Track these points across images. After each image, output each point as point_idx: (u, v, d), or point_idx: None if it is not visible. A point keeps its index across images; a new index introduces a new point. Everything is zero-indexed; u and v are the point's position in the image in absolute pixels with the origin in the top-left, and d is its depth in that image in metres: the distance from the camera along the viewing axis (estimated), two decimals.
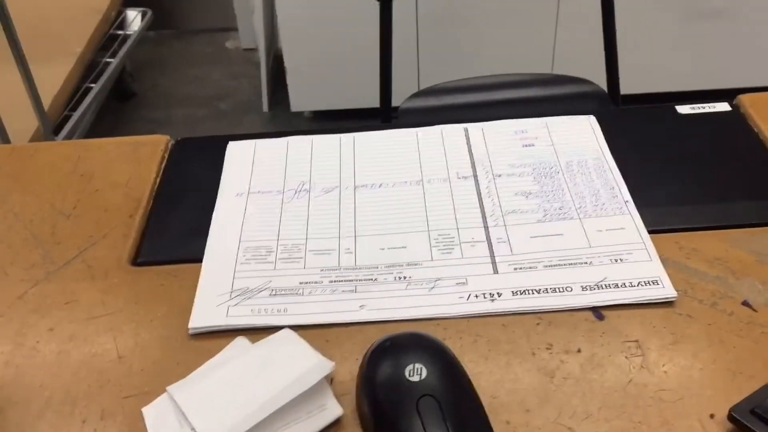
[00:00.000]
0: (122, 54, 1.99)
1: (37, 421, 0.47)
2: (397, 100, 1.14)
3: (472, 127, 0.69)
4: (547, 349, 0.50)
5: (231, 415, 0.44)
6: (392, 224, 0.60)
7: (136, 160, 0.69)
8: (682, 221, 0.59)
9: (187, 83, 2.27)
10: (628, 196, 0.60)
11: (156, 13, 2.21)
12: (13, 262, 0.59)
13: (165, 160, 0.69)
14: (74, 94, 1.80)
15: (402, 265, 0.56)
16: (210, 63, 2.36)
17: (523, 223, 0.59)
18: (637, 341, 0.50)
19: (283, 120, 2.07)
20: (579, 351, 0.49)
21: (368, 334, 0.51)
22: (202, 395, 0.46)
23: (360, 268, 0.56)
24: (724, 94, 0.72)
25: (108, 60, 1.95)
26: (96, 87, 1.84)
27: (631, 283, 0.53)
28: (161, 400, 0.47)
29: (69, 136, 1.67)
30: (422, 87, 1.18)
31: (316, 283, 0.55)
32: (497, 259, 0.56)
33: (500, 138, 0.68)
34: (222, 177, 0.66)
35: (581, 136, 0.67)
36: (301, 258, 0.57)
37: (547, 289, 0.53)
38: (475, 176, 0.64)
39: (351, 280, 0.55)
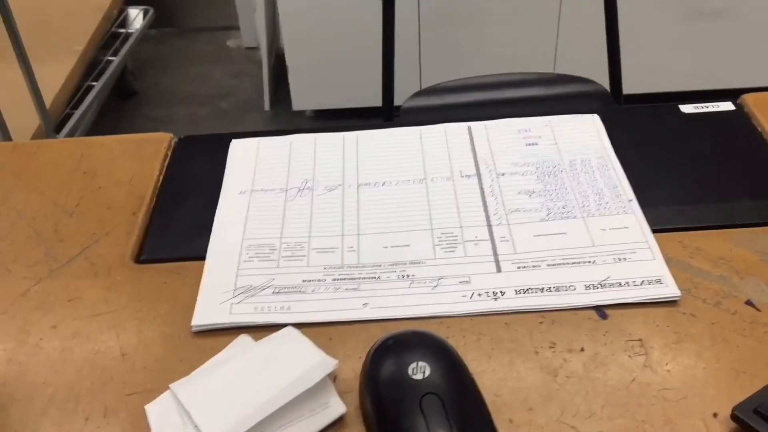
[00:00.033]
0: (124, 52, 1.99)
1: (40, 419, 0.47)
2: (398, 100, 1.14)
3: (475, 125, 0.69)
4: (550, 347, 0.50)
5: (234, 412, 0.44)
6: (395, 222, 0.60)
7: (140, 157, 0.69)
8: (685, 220, 0.59)
9: (189, 82, 2.27)
10: (631, 195, 0.60)
11: (158, 11, 2.21)
12: (16, 259, 0.59)
13: (168, 158, 0.69)
14: (76, 92, 1.80)
15: (405, 264, 0.56)
16: (211, 61, 2.36)
17: (526, 222, 0.59)
18: (640, 340, 0.50)
19: (284, 119, 2.07)
20: (582, 350, 0.49)
21: (371, 332, 0.51)
22: (205, 393, 0.46)
23: (363, 266, 0.56)
24: (726, 94, 0.72)
25: (110, 58, 1.95)
26: (97, 85, 1.84)
27: (634, 282, 0.53)
28: (164, 398, 0.47)
29: (70, 134, 1.67)
30: (424, 86, 1.18)
31: (319, 281, 0.55)
32: (500, 258, 0.56)
33: (504, 136, 0.68)
34: (225, 175, 0.66)
35: (585, 135, 0.67)
36: (304, 256, 0.57)
37: (550, 287, 0.53)
38: (479, 175, 0.64)
39: (354, 278, 0.55)
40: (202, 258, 0.58)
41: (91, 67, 1.90)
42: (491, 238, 0.57)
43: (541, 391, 0.47)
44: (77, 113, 1.74)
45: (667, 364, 0.48)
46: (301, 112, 2.04)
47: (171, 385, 0.47)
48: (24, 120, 1.54)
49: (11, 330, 0.53)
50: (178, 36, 2.48)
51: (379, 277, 0.55)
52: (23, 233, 0.61)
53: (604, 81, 1.14)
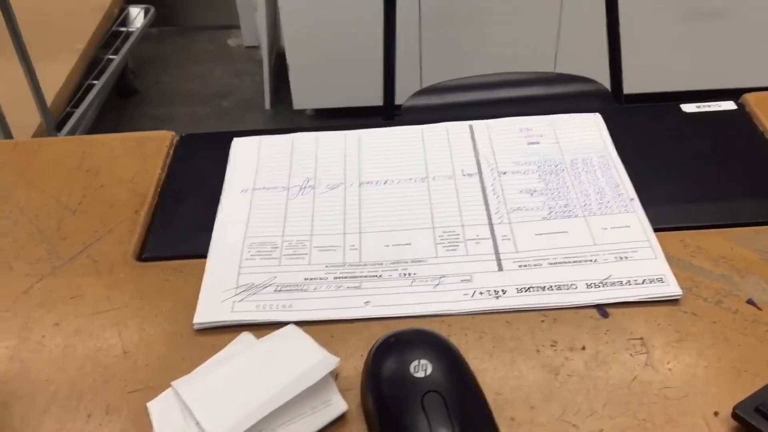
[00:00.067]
0: (125, 51, 1.99)
1: (42, 416, 0.47)
2: (399, 99, 1.14)
3: (477, 124, 0.69)
4: (552, 346, 0.50)
5: (236, 410, 0.44)
6: (397, 221, 0.60)
7: (142, 155, 0.69)
8: (687, 219, 0.59)
9: (190, 80, 2.27)
10: (633, 194, 0.60)
11: (159, 10, 2.20)
12: (18, 256, 0.59)
13: (170, 156, 0.69)
14: (77, 91, 1.80)
15: (407, 262, 0.56)
16: (212, 60, 2.36)
17: (528, 221, 0.59)
18: (641, 339, 0.50)
19: (285, 118, 2.07)
20: (583, 348, 0.49)
21: (373, 331, 0.51)
22: (207, 390, 0.46)
23: (365, 265, 0.56)
24: (727, 94, 0.72)
25: (110, 57, 1.95)
26: (98, 84, 1.84)
27: (635, 280, 0.53)
28: (166, 395, 0.47)
29: (71, 133, 1.67)
30: (424, 86, 1.18)
31: (321, 279, 0.55)
32: (502, 257, 0.56)
33: (505, 135, 0.68)
34: (227, 173, 0.66)
35: (586, 134, 0.67)
36: (306, 254, 0.57)
37: (551, 286, 0.53)
38: (480, 173, 0.64)
39: (356, 277, 0.55)
40: (204, 256, 0.58)
41: (91, 65, 1.90)
42: (493, 237, 0.58)
43: (543, 389, 0.47)
44: (78, 112, 1.74)
45: (668, 363, 0.48)
46: (302, 111, 2.04)
47: (173, 383, 0.47)
48: (25, 118, 1.54)
49: (14, 327, 0.53)
50: (178, 35, 2.48)
51: (380, 276, 0.55)
52: (26, 231, 0.61)
53: (605, 80, 1.14)
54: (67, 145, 0.71)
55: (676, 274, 0.53)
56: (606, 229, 0.58)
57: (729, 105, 0.70)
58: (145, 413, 0.46)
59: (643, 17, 1.79)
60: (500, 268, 0.55)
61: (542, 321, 0.51)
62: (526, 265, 0.55)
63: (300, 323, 0.51)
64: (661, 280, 0.53)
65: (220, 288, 0.55)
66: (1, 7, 1.34)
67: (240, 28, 2.37)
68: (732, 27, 1.82)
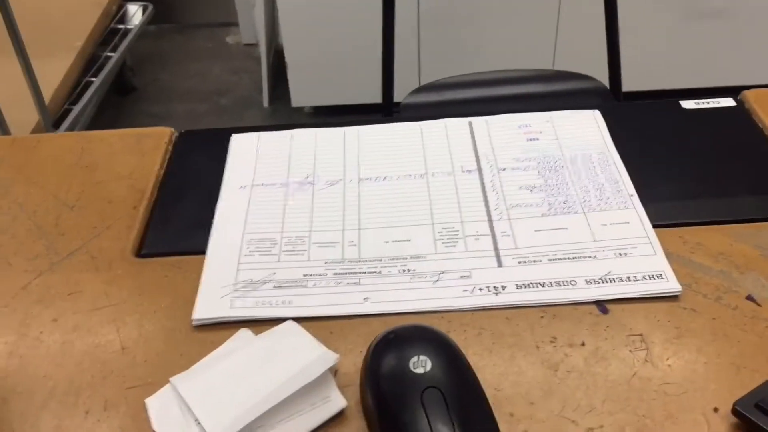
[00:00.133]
0: (123, 48, 1.99)
1: (40, 412, 0.47)
2: (397, 97, 1.14)
3: (476, 120, 0.69)
4: (551, 342, 0.50)
5: (234, 406, 0.44)
6: (396, 217, 0.60)
7: (140, 152, 0.69)
8: (686, 216, 0.59)
9: (188, 78, 2.27)
10: (632, 191, 0.60)
11: (157, 7, 2.20)
12: (17, 252, 0.59)
13: (169, 153, 0.69)
14: (75, 88, 1.80)
15: (406, 258, 0.56)
16: (210, 58, 2.35)
17: (527, 217, 0.59)
18: (641, 335, 0.50)
19: (283, 115, 2.07)
20: (583, 344, 0.49)
21: (372, 327, 0.51)
22: (206, 387, 0.46)
23: (364, 261, 0.56)
24: (725, 92, 0.72)
25: (109, 54, 1.95)
26: (96, 81, 1.84)
27: (635, 277, 0.53)
28: (165, 392, 0.47)
29: (69, 130, 1.67)
30: (423, 83, 1.17)
31: (320, 275, 0.55)
32: (501, 253, 0.56)
33: (504, 132, 0.68)
34: (225, 169, 0.66)
35: (586, 130, 0.67)
36: (305, 250, 0.57)
37: (551, 282, 0.53)
38: (480, 170, 0.64)
39: (355, 273, 0.55)
40: (203, 252, 0.58)
41: (90, 62, 1.89)
42: (492, 233, 0.57)
43: (542, 385, 0.47)
44: (76, 109, 1.73)
45: (667, 359, 0.48)
46: (300, 109, 2.04)
47: (171, 379, 0.47)
48: (23, 116, 1.54)
49: (12, 323, 0.53)
50: (177, 32, 2.48)
51: (380, 272, 0.55)
52: (24, 227, 0.61)
53: (603, 78, 1.14)
54: (66, 141, 0.71)
55: (675, 271, 0.53)
56: (605, 225, 0.57)
57: (728, 102, 0.70)
58: (144, 409, 0.46)
59: (642, 15, 1.79)
60: (500, 265, 0.55)
61: (542, 317, 0.51)
62: (525, 262, 0.55)
63: (299, 319, 0.51)
64: (660, 277, 0.53)
65: (219, 284, 0.55)
66: (0, 5, 1.34)
67: (238, 25, 2.37)
68: (732, 25, 1.82)
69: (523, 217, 0.59)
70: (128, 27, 2.08)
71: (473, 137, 0.67)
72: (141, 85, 2.24)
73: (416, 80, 1.84)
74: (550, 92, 1.15)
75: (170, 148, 0.69)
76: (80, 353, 0.51)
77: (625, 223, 0.58)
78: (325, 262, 0.56)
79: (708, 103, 0.70)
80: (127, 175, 0.66)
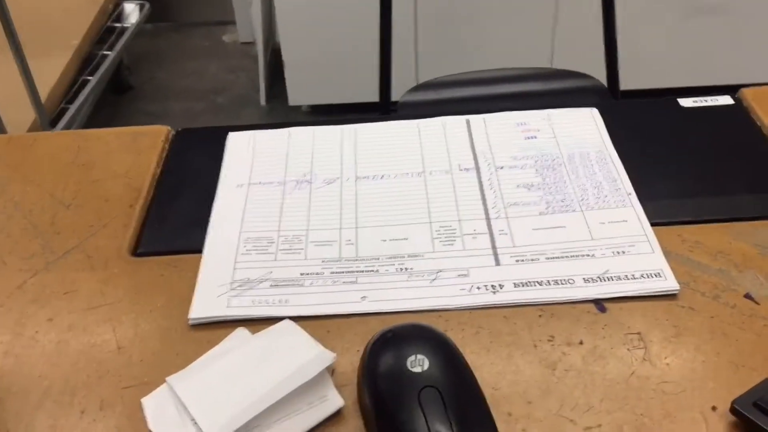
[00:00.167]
0: (119, 47, 1.99)
1: (35, 411, 0.47)
2: (395, 95, 1.14)
3: (473, 119, 0.69)
4: (549, 341, 0.49)
5: (231, 406, 0.44)
6: (394, 216, 0.59)
7: (136, 150, 0.68)
8: (684, 214, 0.58)
9: (185, 76, 2.26)
10: (630, 189, 0.60)
11: (153, 5, 2.20)
12: (12, 251, 0.59)
13: (165, 151, 0.69)
14: (71, 87, 1.80)
15: (404, 257, 0.56)
16: (207, 56, 2.35)
17: (525, 215, 0.58)
18: (639, 334, 0.50)
19: (280, 114, 2.06)
20: (581, 343, 0.49)
21: (369, 326, 0.51)
22: (202, 386, 0.45)
23: (361, 260, 0.56)
24: (723, 91, 0.72)
25: (105, 52, 1.95)
26: (93, 79, 1.84)
27: (633, 275, 0.53)
28: (161, 391, 0.47)
29: (66, 129, 1.67)
30: (421, 82, 1.17)
31: (317, 274, 0.55)
32: (499, 251, 0.56)
33: (502, 130, 0.67)
34: (222, 168, 0.65)
35: (584, 128, 0.67)
36: (302, 249, 0.57)
37: (549, 281, 0.53)
38: (477, 168, 0.63)
39: (352, 272, 0.55)
40: (200, 251, 0.57)
41: (86, 61, 1.89)
42: (490, 232, 0.57)
43: (540, 384, 0.47)
44: (72, 108, 1.73)
45: (666, 358, 0.48)
46: (297, 107, 2.03)
47: (168, 378, 0.46)
48: (19, 114, 1.54)
49: (7, 323, 0.53)
50: (173, 30, 2.47)
51: (377, 271, 0.55)
52: (19, 225, 0.61)
53: (601, 76, 1.14)
54: (62, 140, 0.70)
55: (673, 269, 0.53)
56: (603, 223, 0.57)
57: (726, 100, 0.70)
58: (140, 409, 0.46)
59: (639, 13, 1.79)
60: (497, 263, 0.55)
61: (540, 316, 0.51)
62: (523, 260, 0.55)
63: (296, 318, 0.50)
64: (658, 275, 0.53)
65: (216, 283, 0.54)
66: None
67: (235, 23, 2.37)
68: (729, 23, 1.82)
69: (521, 216, 0.59)
70: (125, 25, 2.08)
71: (471, 135, 0.67)
72: (138, 83, 2.23)
73: (414, 78, 1.84)
74: (547, 90, 1.14)
75: (167, 146, 0.69)
76: (76, 353, 0.50)
77: (623, 221, 0.57)
78: (322, 261, 0.56)
79: (706, 101, 0.70)
80: (123, 174, 0.66)
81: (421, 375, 0.43)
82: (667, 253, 0.55)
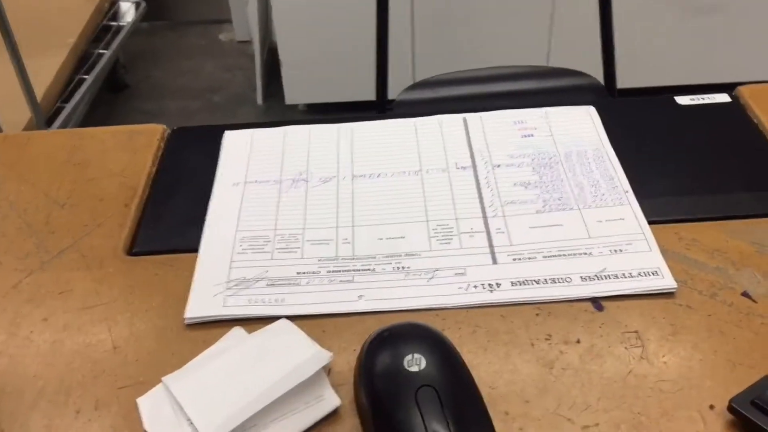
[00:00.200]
0: (115, 45, 1.98)
1: (30, 411, 0.47)
2: (391, 94, 1.13)
3: (470, 117, 0.69)
4: (546, 339, 0.49)
5: (227, 405, 0.43)
6: (390, 214, 0.59)
7: (132, 149, 0.68)
8: (681, 212, 0.58)
9: (181, 75, 2.26)
10: (627, 187, 0.60)
11: (149, 4, 2.19)
12: (6, 251, 0.58)
13: (161, 149, 0.68)
14: (67, 86, 1.79)
15: (400, 255, 0.55)
16: (204, 55, 2.34)
17: (522, 214, 0.58)
18: (636, 332, 0.49)
19: (277, 112, 2.06)
20: (578, 342, 0.49)
21: (366, 325, 0.50)
22: (198, 386, 0.45)
23: (358, 258, 0.55)
24: (721, 89, 0.72)
25: (101, 51, 1.94)
26: (89, 78, 1.83)
27: (630, 273, 0.53)
28: (156, 391, 0.46)
29: (62, 128, 1.66)
30: (417, 80, 1.17)
31: (313, 273, 0.54)
32: (496, 250, 0.55)
33: (499, 128, 0.67)
34: (218, 166, 0.65)
35: (580, 126, 0.67)
36: (298, 248, 0.57)
37: (546, 279, 0.53)
38: (474, 166, 0.63)
39: (349, 270, 0.54)
40: (195, 250, 0.57)
41: (82, 60, 1.88)
42: (487, 230, 0.57)
43: (537, 383, 0.47)
44: (68, 107, 1.73)
45: (663, 356, 0.48)
46: (294, 106, 2.03)
47: (163, 378, 0.46)
48: (15, 113, 1.53)
49: (2, 322, 0.53)
50: (169, 29, 2.47)
51: (374, 269, 0.54)
52: (14, 225, 0.61)
53: (598, 75, 1.14)
54: (57, 139, 0.70)
55: (670, 267, 0.53)
56: (601, 221, 0.57)
57: (723, 98, 0.70)
58: (135, 409, 0.46)
59: (636, 11, 1.79)
60: (494, 262, 0.54)
61: (537, 314, 0.51)
62: (520, 259, 0.55)
63: (292, 318, 0.50)
64: (655, 273, 0.53)
65: (212, 282, 0.54)
66: None
67: (231, 22, 2.36)
68: (725, 21, 1.82)
69: (518, 214, 0.58)
70: (121, 24, 2.08)
71: (468, 133, 0.67)
72: (134, 82, 2.23)
73: (410, 77, 1.84)
74: (544, 89, 1.14)
75: (162, 145, 0.69)
76: (71, 352, 0.50)
77: (620, 219, 0.57)
78: (319, 260, 0.55)
79: (703, 99, 0.70)
80: (118, 173, 0.65)
81: (418, 374, 0.43)
82: (664, 251, 0.54)
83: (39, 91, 1.57)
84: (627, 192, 0.60)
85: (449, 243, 0.56)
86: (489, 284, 0.53)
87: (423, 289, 0.53)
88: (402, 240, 0.57)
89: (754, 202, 0.59)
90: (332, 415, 0.45)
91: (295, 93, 1.94)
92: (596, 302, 0.52)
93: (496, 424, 0.43)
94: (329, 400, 0.45)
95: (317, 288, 0.53)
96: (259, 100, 2.10)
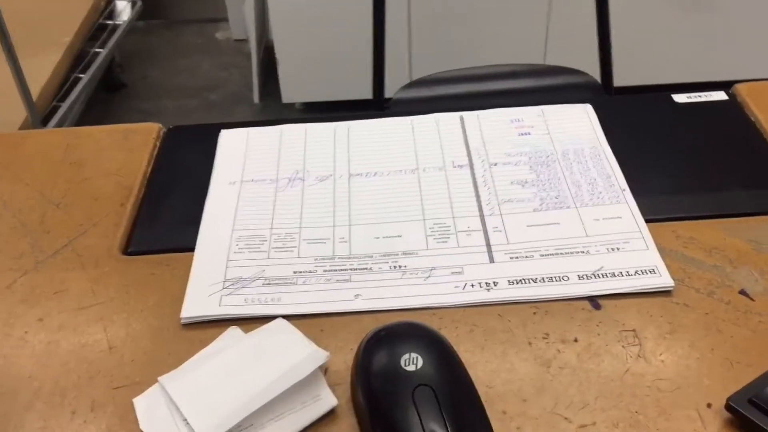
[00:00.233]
0: (111, 44, 1.98)
1: (25, 413, 0.46)
2: (388, 92, 1.13)
3: (467, 115, 0.69)
4: (544, 338, 0.49)
5: (223, 405, 0.43)
6: (387, 213, 0.59)
7: (128, 148, 0.68)
8: (679, 210, 0.58)
9: (177, 74, 2.25)
10: (624, 185, 0.60)
11: (145, 3, 2.19)
12: (1, 251, 0.58)
13: (157, 149, 0.68)
14: (63, 85, 1.79)
15: (397, 254, 0.55)
16: (200, 54, 2.34)
17: (519, 212, 0.58)
18: (634, 330, 0.49)
19: (273, 111, 2.06)
20: (576, 340, 0.49)
21: (363, 324, 0.50)
22: (195, 386, 0.45)
23: (355, 257, 0.55)
24: (718, 87, 0.72)
25: (97, 50, 1.94)
26: (85, 77, 1.83)
27: (627, 272, 0.53)
28: (153, 391, 0.46)
29: (58, 127, 1.66)
30: (414, 79, 1.17)
31: (310, 272, 0.54)
32: (493, 248, 0.55)
33: (496, 126, 0.67)
34: (214, 165, 0.65)
35: (577, 124, 0.67)
36: (294, 247, 0.56)
37: (543, 278, 0.53)
38: (471, 165, 0.63)
39: (345, 269, 0.54)
40: (192, 249, 0.57)
41: (78, 59, 1.88)
42: (484, 229, 0.57)
43: (535, 382, 0.47)
44: (64, 106, 1.72)
45: (660, 355, 0.48)
46: (291, 105, 2.03)
47: (159, 378, 0.46)
48: (10, 113, 1.53)
49: None
50: (166, 28, 2.46)
51: (370, 268, 0.54)
52: (8, 225, 0.60)
53: (595, 73, 1.14)
54: (52, 138, 0.70)
55: (668, 265, 0.53)
56: (598, 220, 0.57)
57: (720, 95, 0.70)
58: (131, 409, 0.46)
59: (633, 9, 1.79)
60: (491, 260, 0.54)
61: (534, 313, 0.51)
62: (517, 257, 0.54)
63: (289, 317, 0.50)
64: (653, 271, 0.52)
65: (208, 282, 0.54)
66: None
67: (228, 21, 2.36)
68: (722, 19, 1.82)
69: (515, 213, 0.58)
70: (117, 23, 2.07)
71: (464, 132, 0.67)
72: (130, 81, 2.22)
73: (407, 75, 1.83)
74: (541, 87, 1.14)
75: (158, 144, 0.69)
76: (66, 353, 0.50)
77: (618, 217, 0.57)
78: (315, 259, 0.55)
79: (700, 96, 0.70)
80: (114, 172, 0.65)
81: (415, 373, 0.43)
82: (662, 250, 0.54)
83: (35, 90, 1.57)
84: (624, 190, 0.59)
85: (446, 242, 0.56)
86: (486, 283, 0.53)
87: (420, 288, 0.53)
88: (399, 239, 0.57)
89: (751, 200, 0.59)
90: (329, 415, 0.45)
91: (291, 91, 1.94)
92: (593, 301, 0.51)
93: (494, 423, 0.43)
94: (326, 399, 0.45)
95: (314, 287, 0.53)
96: (256, 98, 2.10)
